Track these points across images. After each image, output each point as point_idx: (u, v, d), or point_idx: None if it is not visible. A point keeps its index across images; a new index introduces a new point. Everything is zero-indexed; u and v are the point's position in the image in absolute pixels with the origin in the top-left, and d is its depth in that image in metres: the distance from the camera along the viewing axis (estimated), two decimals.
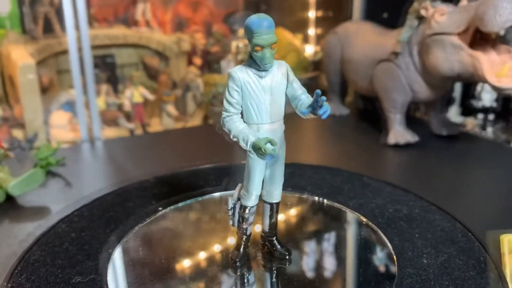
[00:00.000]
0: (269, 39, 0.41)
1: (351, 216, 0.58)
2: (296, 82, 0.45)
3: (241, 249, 0.49)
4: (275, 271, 0.48)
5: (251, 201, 0.47)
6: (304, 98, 0.44)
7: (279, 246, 0.50)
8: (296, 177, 0.69)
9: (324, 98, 0.41)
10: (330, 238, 0.55)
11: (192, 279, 0.47)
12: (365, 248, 0.52)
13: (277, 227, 0.50)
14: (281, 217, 0.59)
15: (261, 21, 0.41)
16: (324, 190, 0.65)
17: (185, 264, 0.50)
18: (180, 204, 0.61)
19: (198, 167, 0.74)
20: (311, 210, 0.61)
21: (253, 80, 0.43)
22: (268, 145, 0.41)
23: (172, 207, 0.60)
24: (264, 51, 0.41)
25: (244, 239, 0.49)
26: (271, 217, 0.50)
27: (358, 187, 0.65)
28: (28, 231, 0.64)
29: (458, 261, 0.48)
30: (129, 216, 0.58)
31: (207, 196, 0.63)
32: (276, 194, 0.49)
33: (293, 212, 0.61)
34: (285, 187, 0.64)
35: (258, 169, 0.46)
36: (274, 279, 0.48)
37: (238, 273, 0.48)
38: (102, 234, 0.54)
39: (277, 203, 0.49)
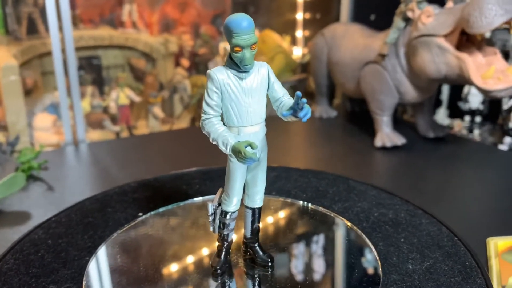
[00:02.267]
0: (249, 40, 0.39)
1: (335, 220, 0.57)
2: (277, 84, 0.44)
3: (222, 256, 0.48)
4: (257, 278, 0.47)
5: (232, 206, 0.46)
6: (286, 100, 0.43)
7: (261, 253, 0.49)
8: (282, 180, 0.68)
9: (304, 100, 0.39)
10: (313, 244, 0.54)
11: (171, 286, 0.46)
12: (349, 253, 0.51)
13: (259, 232, 0.49)
14: (264, 222, 0.58)
15: (240, 21, 0.39)
16: (309, 194, 0.63)
17: (164, 271, 0.48)
18: (161, 210, 0.59)
19: (182, 171, 0.72)
20: (295, 214, 0.60)
21: (232, 81, 0.41)
22: (249, 149, 0.40)
23: (152, 212, 0.59)
24: (243, 52, 0.40)
25: (225, 245, 0.48)
26: (252, 222, 0.48)
27: (343, 191, 0.64)
28: (6, 237, 0.62)
29: (444, 266, 0.47)
30: (108, 222, 0.56)
31: (189, 201, 0.61)
32: (258, 199, 0.47)
33: (276, 216, 0.59)
34: (270, 191, 0.64)
35: (239, 173, 0.44)
36: (256, 287, 0.47)
37: (219, 281, 0.46)
38: (79, 240, 0.52)
39: (259, 208, 0.48)
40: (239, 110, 0.42)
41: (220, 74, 0.42)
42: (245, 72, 0.42)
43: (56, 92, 1.19)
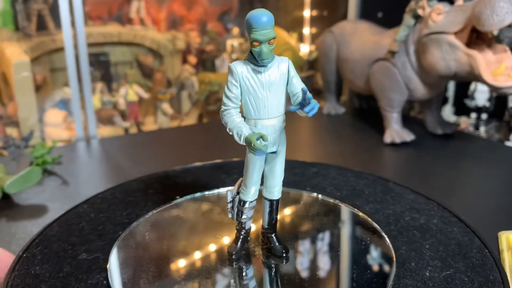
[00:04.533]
0: (267, 35, 0.40)
1: (362, 221, 0.56)
2: (297, 79, 0.44)
3: (239, 243, 0.49)
4: (272, 268, 0.48)
5: (250, 196, 0.47)
6: (301, 95, 0.44)
7: (277, 243, 0.49)
8: (319, 177, 0.68)
9: (310, 96, 0.40)
10: (331, 241, 0.54)
11: (186, 266, 0.48)
12: (365, 254, 0.50)
13: (276, 224, 0.50)
14: (289, 214, 0.58)
15: (259, 16, 0.40)
16: (344, 193, 0.63)
17: (184, 252, 0.50)
18: (197, 195, 0.62)
19: (225, 160, 0.75)
20: (322, 211, 0.59)
21: (251, 75, 0.43)
22: (260, 141, 0.41)
23: (188, 196, 0.61)
24: (261, 47, 0.41)
25: (242, 233, 0.49)
26: (270, 213, 0.49)
27: (379, 192, 0.63)
28: (25, 230, 0.63)
29: (464, 277, 0.45)
30: (147, 202, 0.60)
31: (225, 189, 0.61)
32: (275, 191, 0.48)
33: (302, 211, 0.60)
34: (305, 186, 0.64)
35: (256, 164, 0.46)
36: (267, 275, 0.47)
37: (233, 266, 0.48)
38: (118, 216, 0.56)
39: (277, 200, 0.49)
40: (257, 103, 0.43)
41: (239, 67, 0.43)
42: (263, 66, 0.43)
43: (65, 88, 1.20)
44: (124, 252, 0.50)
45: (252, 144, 0.41)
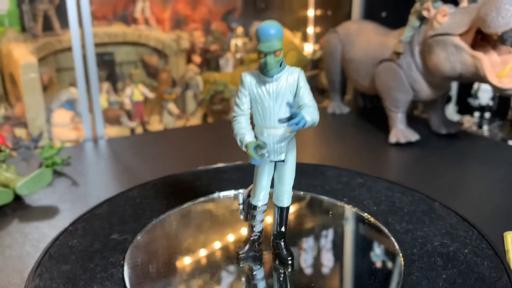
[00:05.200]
0: (271, 47, 0.41)
1: (384, 240, 0.54)
2: (305, 90, 0.44)
3: (248, 244, 0.51)
4: (276, 273, 0.49)
5: (258, 201, 0.49)
6: (305, 108, 0.44)
7: (284, 249, 0.50)
8: (362, 188, 0.67)
9: (293, 110, 0.41)
10: (339, 254, 0.53)
11: (197, 258, 0.51)
12: (373, 274, 0.49)
13: (285, 231, 0.50)
14: (305, 222, 0.59)
15: (265, 28, 0.42)
16: (380, 208, 0.61)
17: (202, 245, 0.54)
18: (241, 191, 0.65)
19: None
20: (346, 224, 0.59)
21: (259, 84, 0.44)
22: (251, 149, 0.43)
23: (230, 192, 0.65)
24: (266, 58, 0.42)
25: (252, 235, 0.51)
26: (279, 220, 0.50)
27: (419, 212, 0.60)
28: (38, 231, 0.64)
29: None
30: (188, 194, 0.64)
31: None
32: (285, 199, 0.49)
33: (325, 221, 0.59)
34: (342, 196, 0.64)
35: (265, 170, 0.47)
36: (269, 279, 0.48)
37: (239, 266, 0.50)
38: (158, 204, 0.61)
39: (286, 208, 0.50)
40: (263, 111, 0.45)
41: (249, 77, 0.45)
42: (270, 76, 0.44)
43: (72, 88, 1.21)
44: (149, 237, 0.54)
45: (248, 152, 0.43)
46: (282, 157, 0.46)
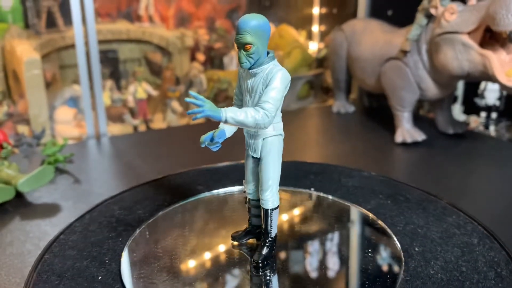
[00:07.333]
0: (240, 39, 0.41)
1: (387, 240, 0.53)
2: (270, 90, 0.41)
3: (244, 232, 0.52)
4: (238, 269, 0.48)
5: (248, 192, 0.50)
6: (249, 106, 0.43)
7: (257, 251, 0.48)
8: (367, 189, 0.65)
9: (190, 100, 0.40)
10: (345, 255, 0.52)
11: (193, 248, 0.52)
12: (377, 277, 0.47)
13: (269, 234, 0.47)
14: (314, 220, 0.59)
15: (241, 21, 0.41)
16: (385, 208, 0.60)
17: (202, 236, 0.55)
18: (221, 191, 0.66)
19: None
20: (352, 224, 0.59)
21: (243, 78, 0.44)
22: (207, 134, 0.44)
23: (216, 191, 0.66)
24: (239, 51, 0.41)
25: (248, 224, 0.51)
26: (264, 221, 0.47)
27: (425, 211, 0.58)
28: (40, 229, 0.63)
29: None
30: (191, 191, 0.65)
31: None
32: (264, 199, 0.46)
33: (329, 220, 0.58)
34: (346, 196, 0.62)
35: (248, 162, 0.48)
36: (255, 272, 0.47)
37: (232, 252, 0.51)
38: (161, 200, 0.62)
39: (269, 210, 0.46)
40: (243, 105, 0.46)
41: (241, 70, 0.45)
42: (247, 69, 0.43)
43: (75, 85, 1.20)
44: (151, 235, 0.55)
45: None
46: (257, 154, 0.46)
